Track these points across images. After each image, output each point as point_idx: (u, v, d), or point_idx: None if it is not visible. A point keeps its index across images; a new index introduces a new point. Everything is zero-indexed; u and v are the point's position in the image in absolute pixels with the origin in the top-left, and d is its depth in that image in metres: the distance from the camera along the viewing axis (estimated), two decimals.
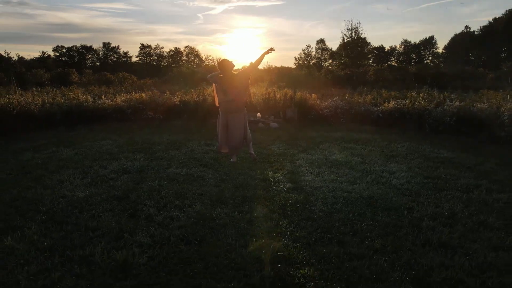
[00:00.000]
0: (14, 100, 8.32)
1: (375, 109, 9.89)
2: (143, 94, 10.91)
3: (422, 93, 10.94)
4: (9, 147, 6.49)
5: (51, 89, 14.12)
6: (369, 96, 12.41)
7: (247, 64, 5.31)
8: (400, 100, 10.09)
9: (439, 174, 5.00)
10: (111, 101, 10.06)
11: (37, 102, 8.75)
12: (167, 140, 7.20)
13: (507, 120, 6.69)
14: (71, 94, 11.22)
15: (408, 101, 9.70)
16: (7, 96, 9.34)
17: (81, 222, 3.32)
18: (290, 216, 3.52)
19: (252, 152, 5.48)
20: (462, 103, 8.91)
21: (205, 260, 2.70)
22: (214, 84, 5.05)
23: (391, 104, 9.74)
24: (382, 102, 10.47)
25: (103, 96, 10.72)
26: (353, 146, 6.90)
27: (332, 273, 2.53)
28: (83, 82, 26.20)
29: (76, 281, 2.40)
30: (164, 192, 4.16)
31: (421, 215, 3.55)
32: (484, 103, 8.82)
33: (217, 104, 5.16)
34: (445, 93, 13.02)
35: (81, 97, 10.53)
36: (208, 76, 5.05)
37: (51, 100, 9.53)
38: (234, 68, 4.94)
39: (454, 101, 9.41)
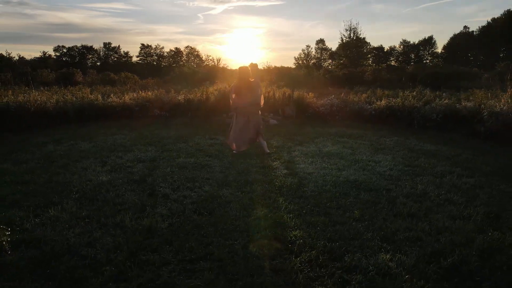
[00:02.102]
0: (31, 98, 8.92)
1: (368, 107, 10.50)
2: (150, 93, 11.53)
3: (413, 92, 11.56)
4: (32, 140, 7.10)
5: (59, 89, 14.73)
6: (364, 95, 13.03)
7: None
8: (391, 99, 10.70)
9: (419, 163, 5.61)
10: (120, 100, 10.67)
11: (52, 100, 9.36)
12: (174, 135, 7.82)
13: (486, 116, 7.30)
14: (80, 93, 11.84)
15: (398, 100, 10.32)
16: (21, 94, 9.95)
17: (109, 199, 3.93)
18: (285, 195, 4.13)
19: (267, 150, 6.18)
20: (449, 101, 9.52)
21: (215, 226, 3.31)
22: (233, 94, 5.96)
23: (383, 102, 10.36)
24: (375, 101, 11.09)
25: (112, 95, 11.32)
26: (346, 140, 7.51)
27: (318, 234, 3.14)
28: (87, 81, 26.79)
29: (114, 238, 3.01)
30: (176, 176, 4.78)
31: (397, 194, 4.17)
32: (469, 101, 9.42)
33: (232, 106, 6.05)
34: (437, 92, 13.65)
35: (90, 95, 11.17)
36: (230, 90, 5.97)
37: (62, 98, 10.14)
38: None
39: (443, 100, 10.03)
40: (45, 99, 9.26)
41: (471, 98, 10.47)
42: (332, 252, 2.84)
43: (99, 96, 10.78)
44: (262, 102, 6.14)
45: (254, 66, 6.11)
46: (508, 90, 9.29)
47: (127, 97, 10.94)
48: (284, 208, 3.74)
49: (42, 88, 14.18)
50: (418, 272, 2.54)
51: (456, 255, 2.75)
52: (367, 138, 7.80)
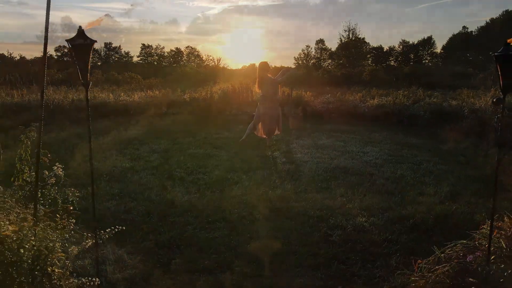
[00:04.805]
0: (49, 97, 9.65)
1: (362, 105, 11.23)
2: (157, 92, 12.25)
3: (405, 91, 12.30)
4: (53, 135, 7.83)
5: (68, 88, 15.45)
6: (359, 94, 13.75)
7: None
8: (383, 97, 11.44)
9: (402, 154, 6.35)
10: (130, 98, 11.40)
11: (68, 99, 10.09)
12: (182, 130, 8.54)
13: (466, 113, 8.03)
14: (91, 93, 12.56)
15: (390, 98, 11.05)
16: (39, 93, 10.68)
17: (135, 180, 4.66)
18: (283, 178, 4.86)
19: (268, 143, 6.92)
20: (437, 100, 10.25)
21: (226, 200, 4.04)
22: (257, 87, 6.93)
23: (375, 101, 11.09)
24: (369, 99, 11.81)
25: (122, 94, 12.06)
26: (339, 134, 8.24)
27: (310, 205, 3.88)
28: (93, 81, 27.44)
29: (145, 208, 3.74)
30: (189, 164, 5.51)
31: (378, 177, 4.90)
32: (456, 100, 10.16)
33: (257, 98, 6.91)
34: (429, 92, 14.39)
35: (101, 94, 11.90)
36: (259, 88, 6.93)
37: (74, 97, 10.88)
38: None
39: (432, 99, 10.77)
40: (61, 98, 9.99)
41: (458, 97, 11.22)
42: (320, 217, 3.57)
43: (111, 95, 11.51)
44: (274, 97, 6.71)
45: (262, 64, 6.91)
46: (492, 89, 10.04)
47: (136, 96, 11.68)
48: (283, 187, 4.47)
49: (52, 87, 14.91)
50: (386, 229, 3.28)
51: (417, 218, 3.49)
52: (359, 133, 8.52)
